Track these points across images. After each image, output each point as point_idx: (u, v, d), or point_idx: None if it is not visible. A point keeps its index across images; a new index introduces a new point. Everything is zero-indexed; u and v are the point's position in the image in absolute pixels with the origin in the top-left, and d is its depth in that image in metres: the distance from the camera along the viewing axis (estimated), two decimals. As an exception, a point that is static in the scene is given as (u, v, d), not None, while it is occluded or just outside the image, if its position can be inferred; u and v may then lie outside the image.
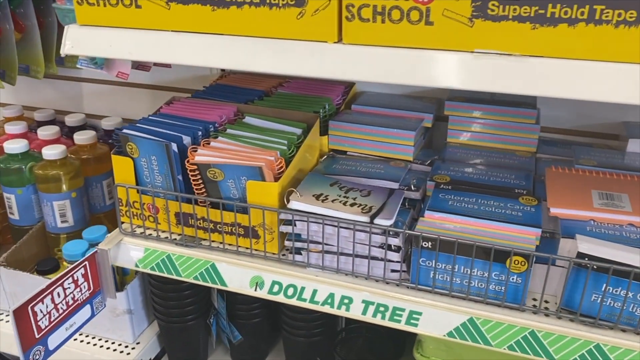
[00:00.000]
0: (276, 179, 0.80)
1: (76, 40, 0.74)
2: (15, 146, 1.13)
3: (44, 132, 1.19)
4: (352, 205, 0.77)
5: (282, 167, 0.81)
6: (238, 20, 0.66)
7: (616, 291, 0.67)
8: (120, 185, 0.86)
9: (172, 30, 0.70)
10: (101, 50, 0.74)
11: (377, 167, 0.91)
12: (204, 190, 0.83)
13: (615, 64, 0.55)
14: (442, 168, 0.89)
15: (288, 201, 0.78)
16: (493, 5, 0.57)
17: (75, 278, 0.81)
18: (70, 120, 1.29)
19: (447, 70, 0.60)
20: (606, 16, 0.54)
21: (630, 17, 0.53)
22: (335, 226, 0.76)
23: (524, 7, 0.56)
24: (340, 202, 0.78)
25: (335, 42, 0.64)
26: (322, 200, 0.78)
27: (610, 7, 0.54)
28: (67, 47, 0.75)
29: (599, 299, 0.68)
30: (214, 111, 0.94)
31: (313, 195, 0.79)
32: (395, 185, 0.85)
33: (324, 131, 0.98)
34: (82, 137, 1.16)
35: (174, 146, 0.82)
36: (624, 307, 0.67)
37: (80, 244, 1.03)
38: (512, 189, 0.82)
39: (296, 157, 0.84)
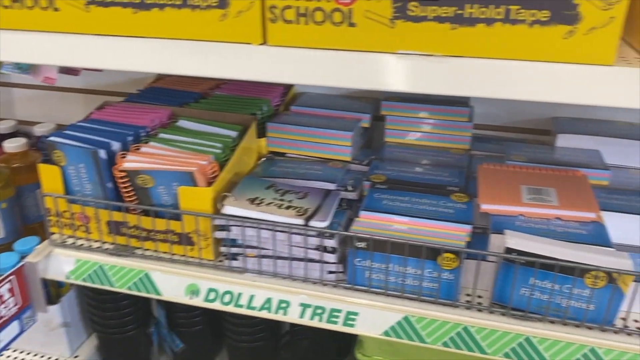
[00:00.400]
0: (209, 184, 0.78)
1: (-9, 45, 0.71)
2: (-62, 156, 1.07)
3: (-29, 141, 1.13)
4: (287, 208, 0.76)
5: (215, 171, 0.80)
6: (160, 23, 0.65)
7: (544, 284, 0.69)
8: (48, 195, 0.83)
9: (92, 34, 0.67)
10: (18, 55, 0.70)
11: (315, 169, 0.90)
12: (134, 197, 0.81)
13: (531, 62, 0.56)
14: (379, 168, 0.90)
15: (222, 206, 0.77)
16: (413, 6, 0.57)
17: (1, 294, 0.77)
18: (0, 128, 1.23)
19: (372, 71, 0.60)
20: (521, 16, 0.55)
21: (544, 17, 0.54)
22: (271, 230, 0.76)
23: (443, 7, 0.56)
24: (275, 205, 0.77)
25: (260, 44, 0.63)
26: (257, 204, 0.77)
27: (525, 7, 0.55)
28: (-18, 52, 0.71)
29: (528, 292, 0.70)
30: (147, 115, 0.92)
31: (247, 199, 0.78)
32: (332, 186, 0.85)
33: (262, 133, 0.97)
34: (12, 145, 1.11)
35: (102, 153, 0.80)
36: (552, 300, 0.69)
37: (11, 257, 0.98)
38: (445, 186, 0.83)
39: (231, 160, 0.83)
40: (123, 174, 0.78)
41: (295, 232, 0.75)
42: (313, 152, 0.95)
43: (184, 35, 0.65)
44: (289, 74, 0.63)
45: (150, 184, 0.78)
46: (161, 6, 0.64)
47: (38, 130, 1.22)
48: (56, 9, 0.67)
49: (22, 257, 0.99)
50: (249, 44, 0.63)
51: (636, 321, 0.71)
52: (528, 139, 1.03)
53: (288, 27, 0.61)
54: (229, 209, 0.76)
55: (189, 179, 0.77)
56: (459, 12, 0.56)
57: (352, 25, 0.59)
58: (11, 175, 1.09)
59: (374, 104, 1.05)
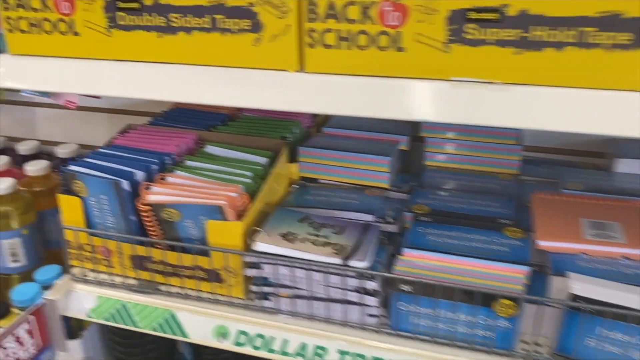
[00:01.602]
0: (239, 216, 0.73)
1: (8, 72, 0.66)
2: (-42, 181, 1.03)
3: (-8, 164, 1.10)
4: (324, 245, 0.70)
5: (246, 203, 0.74)
6: (187, 48, 0.59)
7: (614, 335, 0.61)
8: (68, 227, 0.78)
9: (114, 60, 0.62)
10: (37, 83, 0.66)
11: (351, 197, 0.84)
12: (160, 230, 0.75)
13: (609, 92, 0.49)
14: (421, 196, 0.83)
15: (253, 242, 0.71)
16: (471, 28, 0.50)
17: (18, 335, 0.72)
18: (22, 149, 1.20)
19: (421, 101, 0.54)
20: (597, 39, 0.48)
21: (626, 41, 0.47)
22: (306, 269, 0.69)
23: (506, 30, 0.50)
24: (310, 241, 0.71)
25: (296, 71, 0.57)
26: (291, 240, 0.71)
27: (602, 29, 0.48)
28: (-1, 79, 0.66)
29: (595, 343, 0.62)
30: (172, 140, 0.87)
31: (280, 235, 0.72)
32: (370, 218, 0.79)
33: (293, 157, 0.91)
34: (33, 168, 1.07)
35: (125, 184, 0.74)
36: (625, 353, 0.61)
37: (30, 288, 0.93)
38: (496, 219, 0.76)
39: (262, 190, 0.77)
40: (147, 207, 0.73)
41: (332, 272, 0.68)
42: (348, 179, 0.89)
43: (213, 62, 0.59)
44: (329, 104, 0.56)
45: (176, 217, 0.73)
46: (188, 30, 0.58)
47: (60, 152, 1.18)
48: (76, 34, 0.62)
49: (43, 288, 0.95)
50: (284, 70, 0.57)
51: None
52: (580, 162, 0.95)
53: (328, 53, 0.55)
54: (260, 246, 0.70)
55: (217, 213, 0.71)
56: (524, 35, 0.49)
57: (400, 49, 0.53)
58: (32, 200, 1.05)
59: (411, 124, 0.98)
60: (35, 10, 0.62)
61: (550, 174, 0.89)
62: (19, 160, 1.20)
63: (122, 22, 0.60)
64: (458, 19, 0.50)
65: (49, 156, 1.19)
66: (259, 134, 0.90)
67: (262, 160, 0.83)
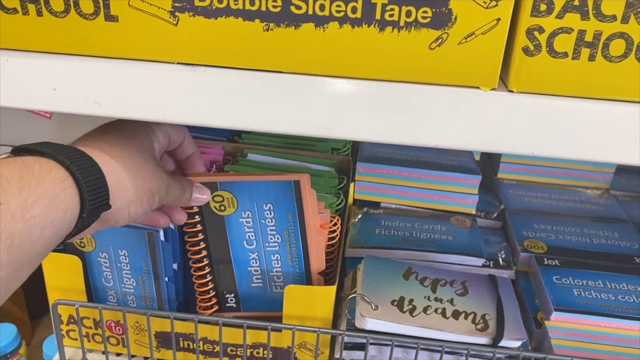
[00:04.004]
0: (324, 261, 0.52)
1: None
2: None
3: None
4: (456, 315, 0.52)
5: (336, 230, 0.54)
6: (317, 50, 0.37)
7: None
8: (64, 303, 0.52)
9: (180, 63, 0.38)
10: (35, 99, 0.39)
11: (439, 231, 0.66)
12: (201, 247, 0.53)
13: None
14: (523, 225, 0.67)
15: (362, 318, 0.50)
16: None
17: None
18: None
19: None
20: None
21: None
22: (434, 350, 0.51)
23: None
24: (436, 310, 0.52)
25: (493, 90, 0.37)
26: (411, 312, 0.51)
27: None
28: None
29: None
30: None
31: (393, 303, 0.52)
32: (479, 262, 0.61)
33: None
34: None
35: (161, 234, 0.51)
36: None
37: (-17, 366, 0.67)
38: (631, 257, 0.62)
39: (348, 216, 0.57)
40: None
41: (474, 354, 0.50)
42: (422, 202, 0.70)
43: (360, 72, 0.37)
44: (553, 146, 0.37)
45: (230, 209, 0.50)
46: (321, 21, 0.36)
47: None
48: (111, 18, 0.37)
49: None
50: (474, 88, 0.37)
51: None
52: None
53: (556, 64, 0.36)
54: (372, 323, 0.50)
55: (290, 191, 0.50)
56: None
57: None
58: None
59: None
60: (36, -26, 0.36)
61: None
62: None
63: (201, 3, 0.36)
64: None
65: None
66: (297, 146, 0.68)
67: (330, 170, 0.63)
